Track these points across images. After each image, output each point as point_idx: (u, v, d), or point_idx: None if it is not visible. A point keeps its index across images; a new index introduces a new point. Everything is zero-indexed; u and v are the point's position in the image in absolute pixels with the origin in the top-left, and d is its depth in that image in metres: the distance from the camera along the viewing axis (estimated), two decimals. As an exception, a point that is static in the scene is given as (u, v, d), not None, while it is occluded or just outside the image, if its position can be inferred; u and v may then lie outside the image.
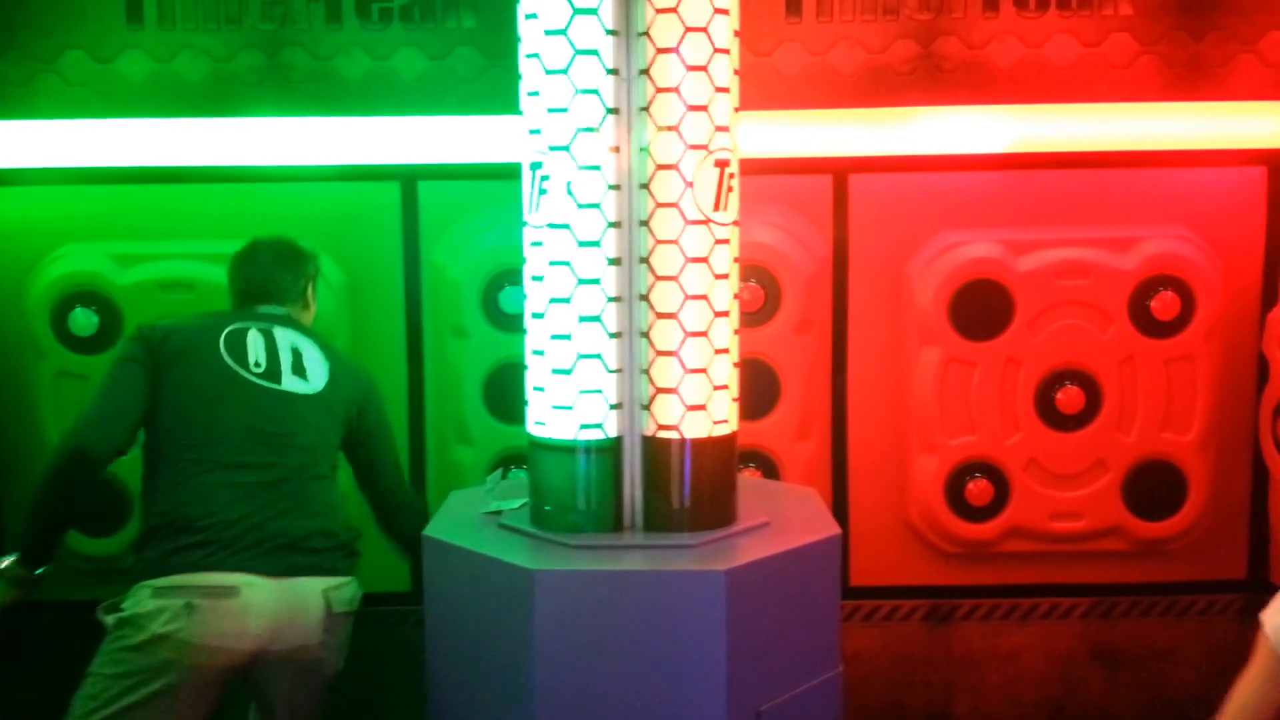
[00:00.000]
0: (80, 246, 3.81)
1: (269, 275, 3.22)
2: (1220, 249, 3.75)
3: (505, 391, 3.80)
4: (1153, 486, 3.77)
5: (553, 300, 2.67)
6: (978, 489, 3.76)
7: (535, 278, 2.71)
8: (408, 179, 3.86)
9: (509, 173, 3.74)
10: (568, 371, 2.67)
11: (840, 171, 3.78)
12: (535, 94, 2.66)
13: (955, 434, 3.76)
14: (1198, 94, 3.72)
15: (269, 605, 2.80)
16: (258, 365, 2.98)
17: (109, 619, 2.77)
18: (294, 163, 3.82)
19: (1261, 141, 3.73)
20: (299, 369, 3.05)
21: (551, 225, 2.66)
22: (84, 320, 3.75)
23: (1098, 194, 3.77)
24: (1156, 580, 3.90)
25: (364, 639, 3.95)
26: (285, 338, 3.08)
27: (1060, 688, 3.88)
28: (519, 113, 3.71)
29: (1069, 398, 3.73)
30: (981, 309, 3.70)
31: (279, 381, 2.99)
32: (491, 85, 3.81)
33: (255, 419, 2.92)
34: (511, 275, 3.77)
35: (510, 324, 3.78)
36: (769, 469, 3.77)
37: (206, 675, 2.76)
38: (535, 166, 2.69)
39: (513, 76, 3.74)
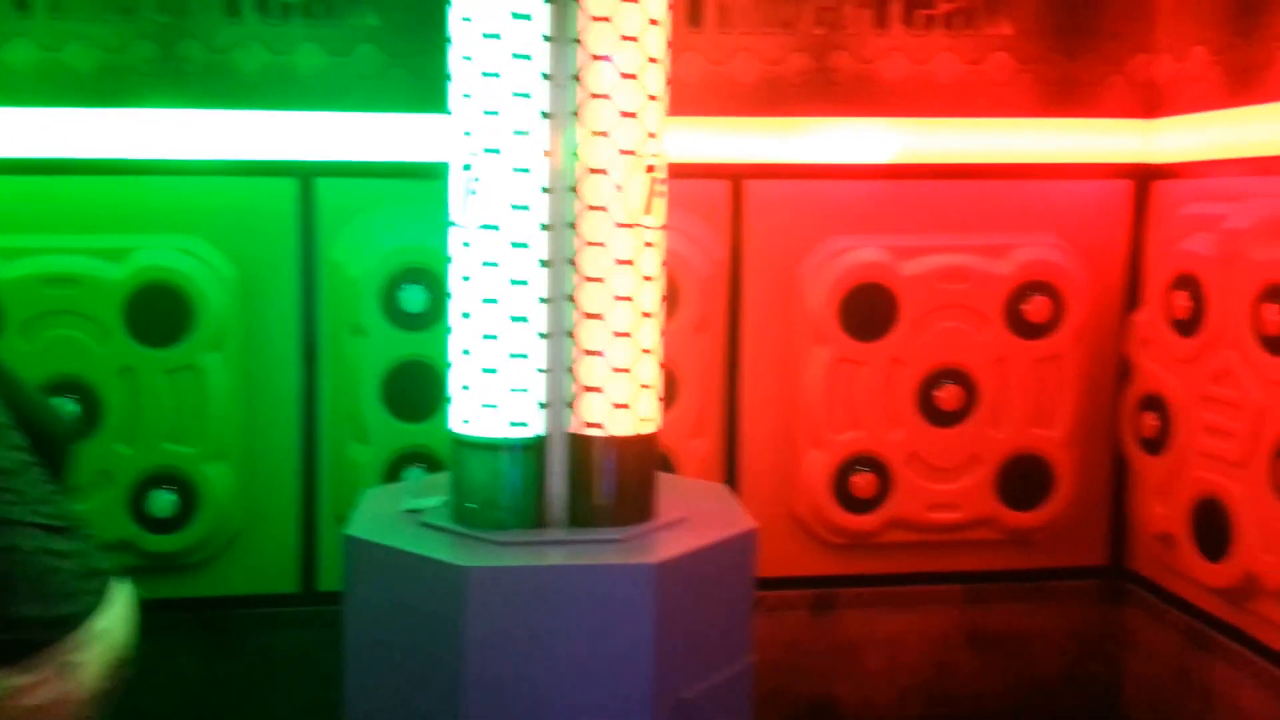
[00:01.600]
0: (-41, 239, 3.63)
1: None
2: (1088, 256, 4.02)
3: (404, 390, 3.80)
4: (1023, 479, 4.03)
5: (483, 300, 2.71)
6: (862, 482, 3.95)
7: (464, 278, 2.74)
8: (305, 175, 3.81)
9: (411, 171, 3.79)
10: (496, 370, 2.71)
11: (737, 177, 3.92)
12: (468, 96, 2.69)
13: (842, 430, 3.94)
14: (1070, 111, 3.99)
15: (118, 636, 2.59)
16: None
17: None
18: (187, 156, 3.72)
19: (1128, 156, 4.03)
20: None
21: (483, 226, 2.69)
22: (-32, 314, 3.58)
23: (977, 203, 4.01)
24: (1025, 567, 4.17)
25: (253, 643, 3.91)
26: None
27: (935, 670, 4.10)
28: (421, 111, 3.76)
29: (948, 395, 3.95)
30: (868, 311, 3.88)
31: None
32: (394, 84, 3.79)
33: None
34: (412, 274, 3.77)
35: (410, 323, 3.78)
36: (665, 466, 3.87)
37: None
38: (465, 168, 2.71)
39: (416, 75, 3.79)
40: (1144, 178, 4.04)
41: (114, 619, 2.56)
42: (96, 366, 3.65)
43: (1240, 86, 3.58)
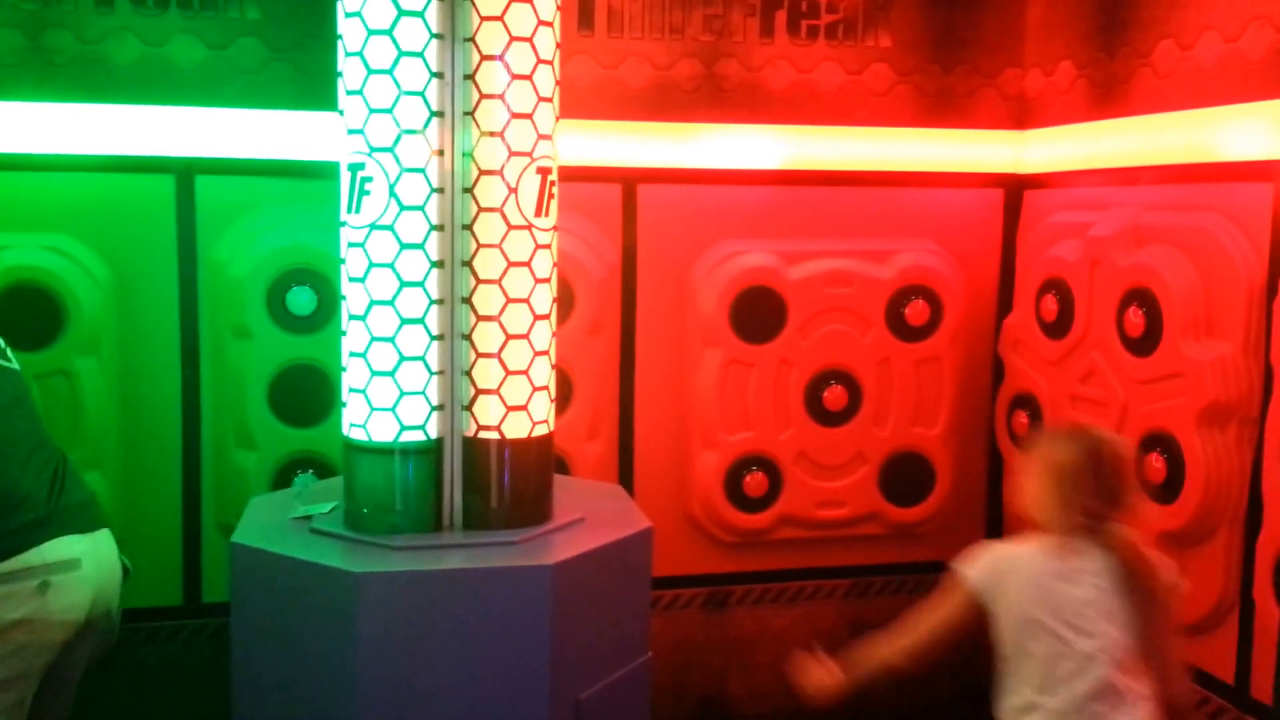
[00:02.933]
0: None
1: None
2: (963, 262, 4.16)
3: (292, 394, 3.71)
4: (905, 476, 4.15)
5: (374, 302, 2.68)
6: (754, 481, 4.01)
7: (355, 279, 2.70)
8: (184, 172, 3.69)
9: (296, 169, 3.71)
10: (390, 373, 2.68)
11: (629, 181, 3.94)
12: (357, 93, 2.65)
13: (734, 430, 3.99)
14: (946, 121, 4.13)
15: (94, 570, 2.80)
16: None
17: None
18: (57, 151, 3.57)
19: (999, 166, 4.18)
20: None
21: (374, 226, 2.66)
22: None
23: (859, 210, 4.11)
24: (907, 560, 4.28)
25: (134, 658, 3.77)
26: None
27: (826, 663, 4.19)
28: (305, 108, 3.69)
29: (834, 396, 4.04)
30: (758, 314, 3.94)
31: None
32: (276, 79, 3.70)
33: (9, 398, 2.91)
34: (299, 275, 3.69)
35: (297, 325, 3.70)
36: (560, 468, 3.86)
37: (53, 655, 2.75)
38: (356, 167, 2.68)
39: (300, 70, 3.70)
40: (1015, 187, 4.20)
41: (92, 553, 2.79)
42: (-40, 371, 3.48)
43: (1105, 100, 3.75)
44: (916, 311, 4.07)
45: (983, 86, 4.14)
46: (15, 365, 2.98)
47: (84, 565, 2.75)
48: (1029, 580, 2.54)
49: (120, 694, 3.78)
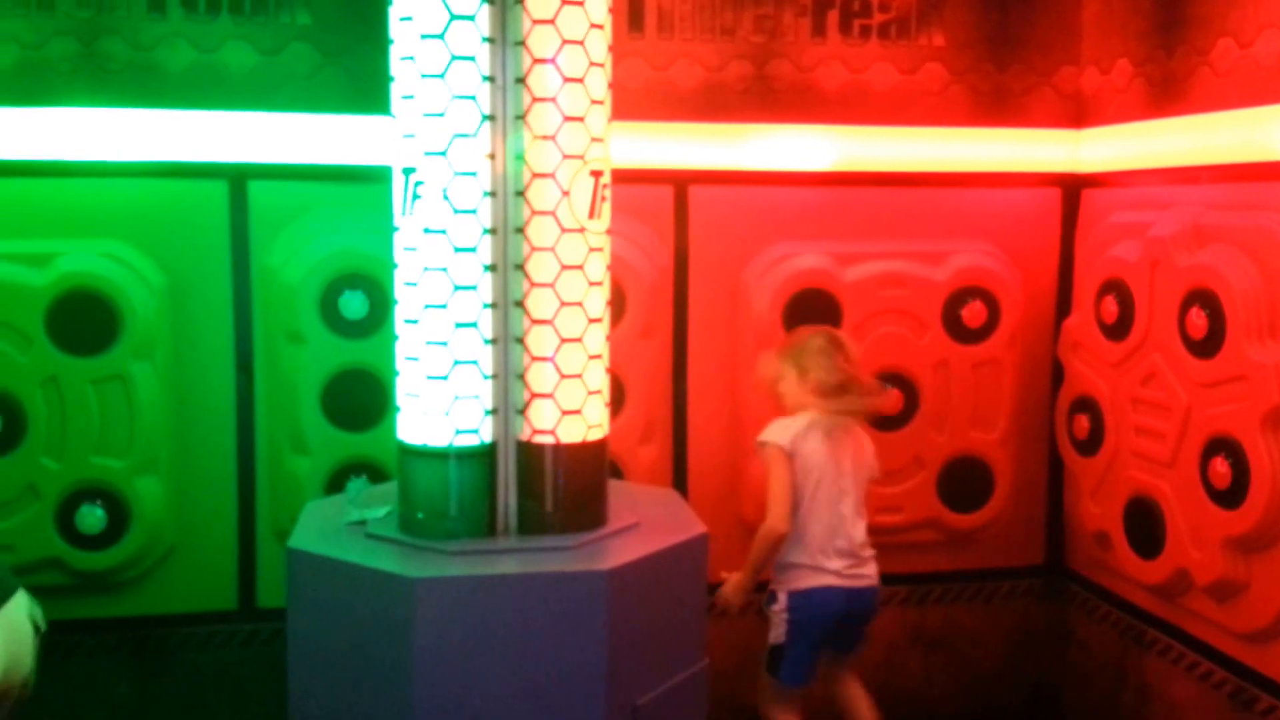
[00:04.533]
0: None
1: None
2: (1020, 262, 4.09)
3: (345, 399, 3.72)
4: (963, 481, 4.08)
5: (428, 306, 2.66)
6: (810, 486, 3.96)
7: (409, 283, 2.69)
8: (237, 177, 3.72)
9: (348, 174, 3.71)
10: (444, 378, 2.67)
11: (681, 183, 3.92)
12: (410, 98, 2.64)
13: (789, 434, 3.94)
14: (1001, 120, 4.06)
15: (3, 649, 2.59)
16: None
17: None
18: (111, 158, 3.60)
19: (1056, 165, 4.11)
20: None
21: (426, 230, 2.65)
22: None
23: (913, 211, 4.05)
24: (966, 568, 4.21)
25: (189, 663, 3.79)
26: None
27: (883, 671, 4.12)
28: (357, 112, 3.69)
29: (890, 399, 3.98)
30: (812, 316, 3.88)
31: None
32: (328, 83, 3.72)
33: None
34: (351, 279, 3.69)
35: (350, 329, 3.70)
36: (613, 472, 3.83)
37: None
38: (409, 171, 2.66)
39: (350, 75, 3.71)
40: (1072, 186, 4.13)
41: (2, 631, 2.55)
42: (19, 377, 3.51)
43: (1163, 99, 3.68)
44: (974, 313, 4.00)
45: (1038, 85, 4.07)
46: None
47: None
48: (814, 444, 3.36)
49: (175, 699, 3.80)
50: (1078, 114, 4.09)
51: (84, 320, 3.54)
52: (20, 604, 2.68)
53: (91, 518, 3.57)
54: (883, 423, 3.99)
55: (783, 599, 3.43)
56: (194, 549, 3.75)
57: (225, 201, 3.71)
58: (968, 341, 4.02)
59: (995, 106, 4.05)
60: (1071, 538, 4.22)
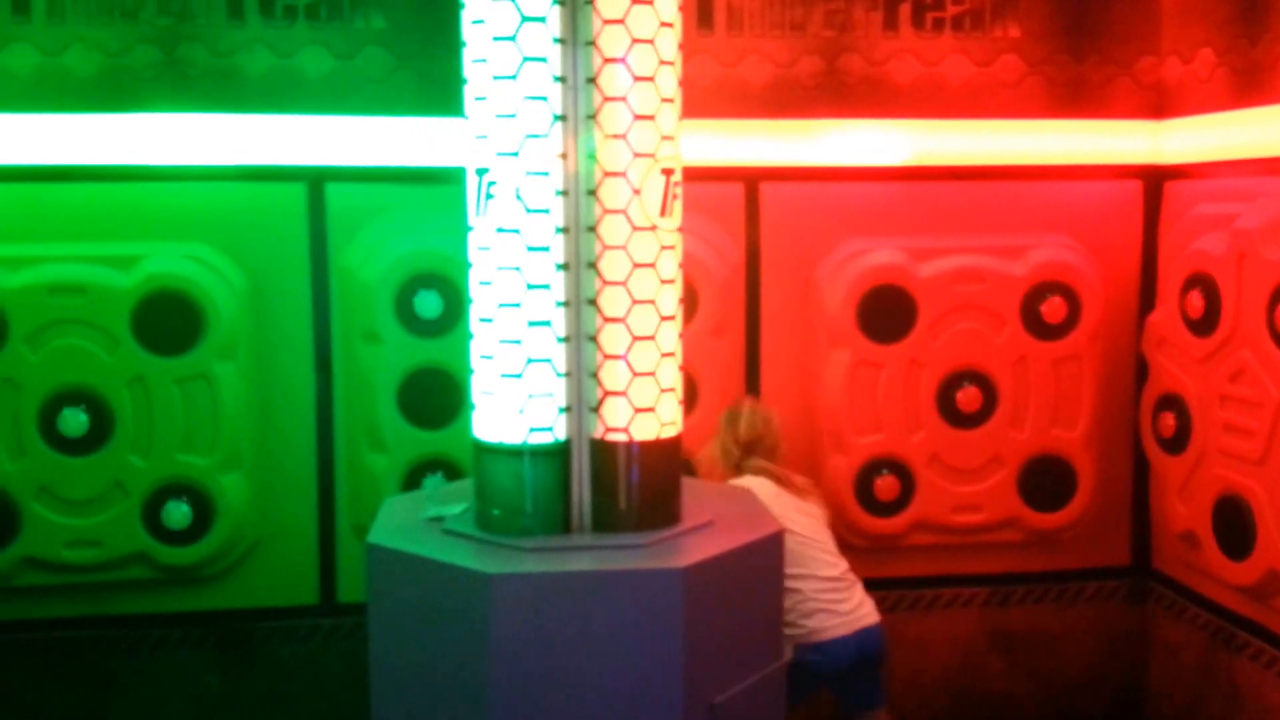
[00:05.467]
0: (-39, 249, 3.60)
1: None
2: (1101, 256, 4.01)
3: (421, 397, 3.76)
4: (1045, 480, 4.00)
5: (501, 305, 2.67)
6: (885, 485, 3.92)
7: (483, 282, 2.70)
8: (315, 180, 3.78)
9: (423, 175, 3.76)
10: (518, 375, 2.68)
11: (751, 180, 3.90)
12: (482, 99, 2.65)
13: (864, 433, 3.91)
14: (1079, 112, 3.98)
15: None
16: None
17: None
18: (192, 162, 3.70)
19: (1137, 157, 4.02)
20: None
21: (500, 230, 2.66)
22: (-33, 325, 3.54)
23: (990, 205, 3.99)
24: (1049, 569, 4.14)
25: (271, 656, 3.87)
26: None
27: (962, 673, 4.07)
28: (431, 114, 3.73)
29: (968, 397, 3.93)
30: (887, 313, 3.86)
31: None
32: (402, 86, 3.77)
33: None
34: (426, 279, 3.74)
35: (425, 329, 3.75)
36: (687, 470, 3.82)
37: None
38: (481, 172, 2.68)
39: (424, 78, 3.76)
40: (1154, 178, 4.03)
41: None
42: (106, 376, 3.62)
43: (1248, 88, 3.58)
44: (1053, 309, 3.92)
45: (1117, 76, 3.98)
46: None
47: None
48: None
49: (257, 691, 3.88)
50: (1159, 105, 4.00)
51: (169, 321, 3.63)
52: None
53: (177, 513, 3.66)
54: (960, 420, 3.95)
55: None
56: (276, 544, 3.83)
57: (304, 204, 3.79)
58: (1047, 338, 3.94)
59: (1073, 98, 3.97)
60: (1157, 538, 4.12)
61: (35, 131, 3.61)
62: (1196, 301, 3.66)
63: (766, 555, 2.80)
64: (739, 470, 3.45)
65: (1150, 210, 4.04)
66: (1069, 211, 4.02)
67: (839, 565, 3.37)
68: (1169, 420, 3.83)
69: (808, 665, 3.29)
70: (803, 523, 3.35)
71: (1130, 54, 3.98)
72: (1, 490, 3.61)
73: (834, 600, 3.32)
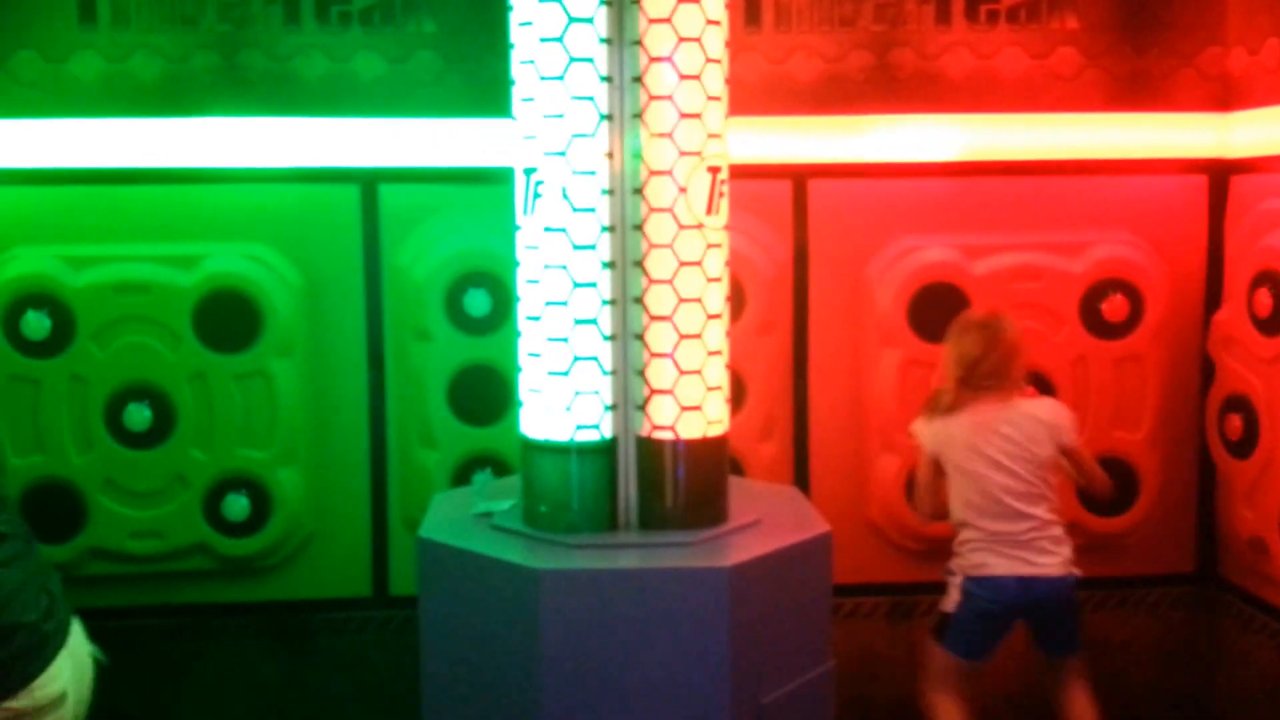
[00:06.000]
0: (31, 249, 3.71)
1: None
2: (1165, 253, 3.91)
3: (470, 394, 3.80)
4: (1107, 482, 3.91)
5: (549, 303, 2.69)
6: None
7: (531, 281, 2.72)
8: (368, 181, 3.84)
9: (472, 176, 3.79)
10: (565, 373, 2.69)
11: (799, 177, 3.87)
12: (530, 100, 2.67)
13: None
14: (1140, 105, 3.89)
15: (75, 692, 2.62)
16: None
17: None
18: (251, 164, 3.77)
19: (1201, 151, 3.92)
20: None
21: (547, 229, 2.68)
22: (36, 323, 3.64)
23: (1047, 200, 3.92)
24: (1111, 574, 4.03)
25: (327, 646, 3.93)
26: None
27: (1017, 680, 4.00)
28: (480, 115, 3.77)
29: (1025, 396, 3.85)
30: (939, 311, 3.79)
31: None
32: (452, 88, 3.81)
33: None
34: (475, 278, 3.78)
35: (475, 326, 3.79)
36: (734, 469, 3.81)
37: None
38: (529, 171, 2.70)
39: (473, 80, 3.79)
40: (1220, 172, 3.93)
41: (73, 674, 2.59)
42: (169, 372, 3.71)
43: (1319, 78, 3.49)
44: (1114, 307, 3.84)
45: (1180, 67, 3.89)
46: None
47: (69, 696, 2.58)
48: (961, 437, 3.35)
49: (312, 683, 3.95)
50: (1224, 97, 3.89)
51: (228, 319, 3.72)
52: (79, 637, 2.67)
53: (236, 506, 3.74)
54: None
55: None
56: (331, 537, 3.90)
57: (358, 204, 3.84)
58: (1108, 337, 3.87)
59: (1133, 91, 3.89)
60: (1223, 544, 3.99)
61: (101, 136, 3.71)
62: (1265, 299, 3.57)
63: (815, 556, 2.78)
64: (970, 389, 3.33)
65: (1216, 205, 3.93)
66: (1130, 207, 3.93)
67: (1023, 519, 3.29)
68: (1236, 422, 3.73)
69: (970, 596, 3.35)
70: (990, 465, 3.28)
71: (1194, 45, 3.88)
72: (69, 483, 3.71)
73: (1005, 549, 3.32)
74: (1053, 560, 3.33)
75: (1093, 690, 3.45)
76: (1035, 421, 3.33)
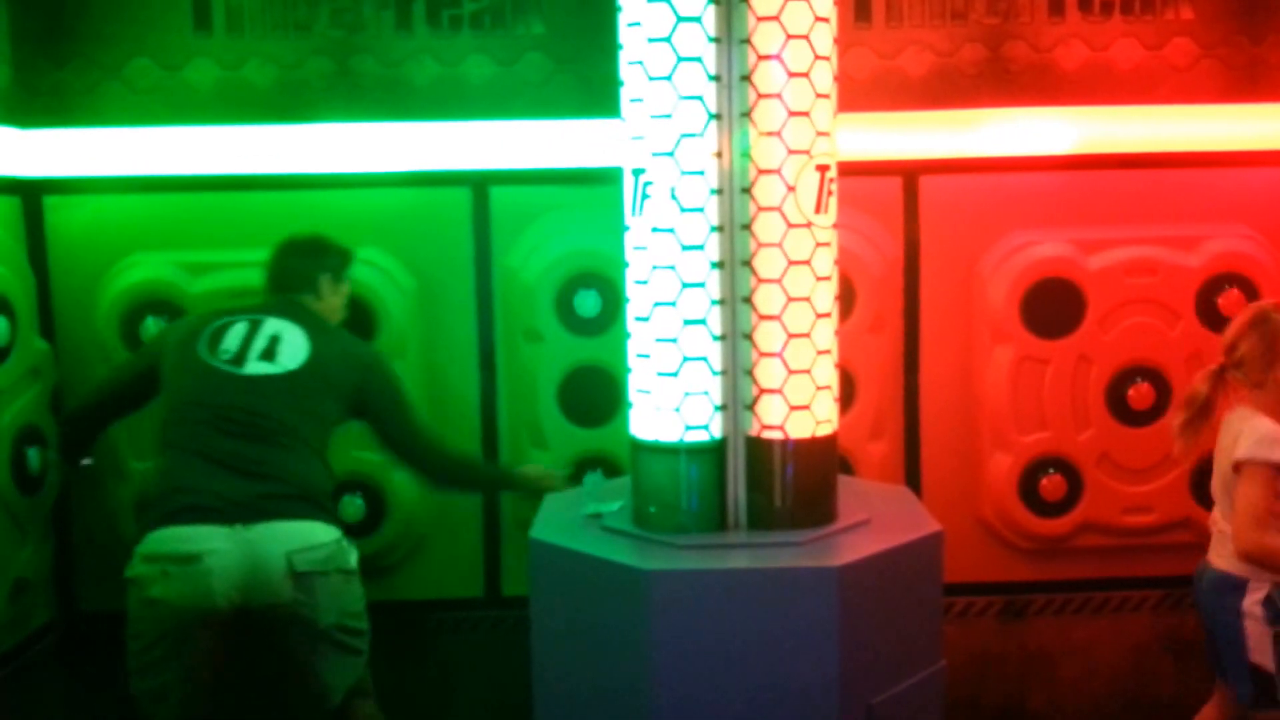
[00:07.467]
0: (149, 255, 3.83)
1: (284, 266, 3.44)
2: (1283, 247, 3.79)
3: (580, 395, 3.84)
4: (1221, 480, 3.80)
5: (657, 304, 2.71)
6: (1051, 485, 3.81)
7: (639, 281, 2.74)
8: (479, 184, 3.89)
9: (581, 176, 3.83)
10: (674, 374, 2.71)
11: (910, 173, 3.84)
12: (639, 100, 2.69)
13: (1028, 431, 3.81)
14: (1257, 96, 3.78)
15: (232, 568, 2.93)
16: (226, 353, 3.19)
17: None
18: (364, 169, 3.85)
19: (1322, 142, 3.79)
20: (269, 353, 3.21)
21: (655, 229, 2.69)
22: (155, 329, 3.75)
23: (1162, 194, 3.82)
24: (1227, 572, 3.92)
25: (440, 646, 4.01)
26: (270, 326, 3.26)
27: (1133, 680, 3.92)
28: (589, 116, 3.80)
29: (1139, 394, 3.78)
30: (1053, 307, 3.74)
31: (243, 366, 3.17)
32: (561, 90, 3.85)
33: (219, 401, 3.12)
34: (585, 279, 3.81)
35: (584, 327, 3.82)
36: (844, 468, 3.81)
37: (197, 632, 2.92)
38: (638, 172, 2.72)
39: (582, 81, 3.83)
40: (1339, 164, 3.80)
41: (226, 548, 2.94)
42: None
43: None
44: (1231, 302, 3.73)
45: (1299, 57, 3.76)
46: (245, 370, 3.17)
47: (205, 562, 2.91)
48: None
49: (427, 681, 4.03)
50: (1344, 86, 3.76)
51: (346, 321, 3.78)
52: (274, 536, 2.98)
53: (352, 507, 3.83)
54: (1132, 418, 3.80)
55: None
56: (443, 538, 3.96)
57: (469, 207, 3.90)
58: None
59: (1251, 81, 3.77)
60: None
61: (216, 143, 3.82)
62: (1388, 291, 3.44)
63: (925, 555, 2.76)
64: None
65: (1337, 198, 3.80)
66: (1248, 200, 3.82)
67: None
68: (1360, 418, 3.59)
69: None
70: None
71: (1312, 34, 3.75)
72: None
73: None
74: None
75: None
76: None
